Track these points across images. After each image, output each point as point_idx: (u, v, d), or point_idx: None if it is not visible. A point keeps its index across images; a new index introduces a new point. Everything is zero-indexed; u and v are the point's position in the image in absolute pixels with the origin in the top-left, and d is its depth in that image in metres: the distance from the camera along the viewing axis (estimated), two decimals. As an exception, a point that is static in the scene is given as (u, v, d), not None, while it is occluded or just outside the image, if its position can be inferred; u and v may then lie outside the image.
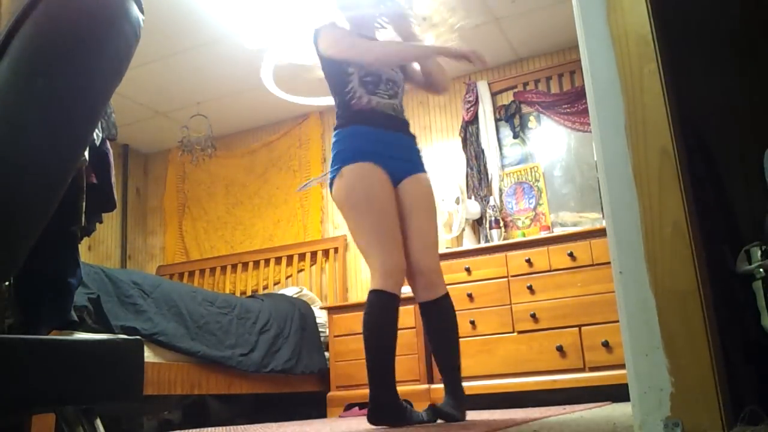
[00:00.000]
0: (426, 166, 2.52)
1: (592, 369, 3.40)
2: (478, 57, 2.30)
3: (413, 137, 2.52)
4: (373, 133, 2.34)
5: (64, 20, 0.81)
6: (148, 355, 2.92)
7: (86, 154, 1.34)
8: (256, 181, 5.41)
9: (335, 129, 2.42)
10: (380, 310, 2.24)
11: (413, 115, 4.86)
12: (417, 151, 2.51)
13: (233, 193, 5.50)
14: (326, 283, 4.91)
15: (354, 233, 2.36)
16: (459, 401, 2.34)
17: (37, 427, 2.08)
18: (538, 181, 4.35)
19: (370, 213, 2.26)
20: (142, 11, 0.90)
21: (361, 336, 2.27)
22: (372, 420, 2.21)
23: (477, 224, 4.42)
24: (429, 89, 2.64)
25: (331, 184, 2.38)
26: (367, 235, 2.28)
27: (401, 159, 2.40)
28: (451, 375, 2.39)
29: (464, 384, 3.63)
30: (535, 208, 4.31)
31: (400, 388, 3.82)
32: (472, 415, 2.85)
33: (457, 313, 3.78)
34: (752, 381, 1.27)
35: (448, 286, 3.87)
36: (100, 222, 1.54)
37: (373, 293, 2.25)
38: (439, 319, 2.44)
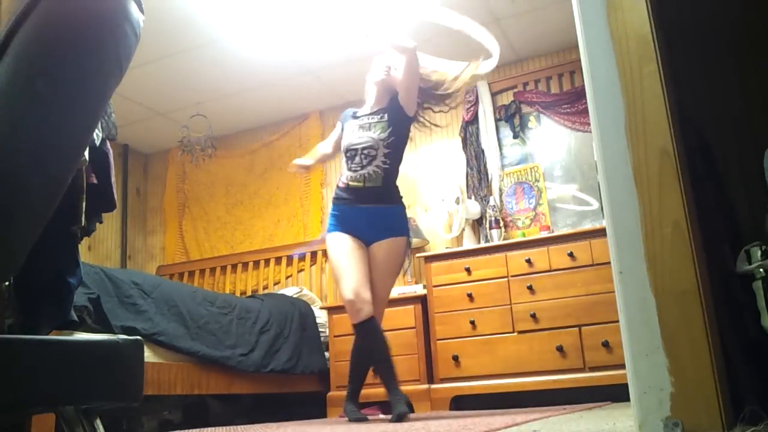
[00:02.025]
0: (392, 229, 2.94)
1: (592, 369, 3.40)
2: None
3: (387, 204, 2.94)
4: (344, 210, 2.94)
5: (64, 20, 0.81)
6: (148, 355, 2.92)
7: (86, 154, 1.34)
8: (256, 181, 5.41)
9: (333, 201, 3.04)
10: (362, 337, 2.85)
11: (413, 115, 4.85)
12: (384, 216, 2.93)
13: (233, 193, 5.50)
14: (326, 283, 4.91)
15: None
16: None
17: (37, 427, 2.08)
18: (538, 181, 4.35)
19: (334, 268, 2.93)
20: (142, 11, 0.90)
21: None
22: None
23: (477, 224, 4.42)
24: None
25: None
26: (335, 277, 2.94)
27: (368, 228, 2.91)
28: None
29: (465, 384, 3.69)
30: (535, 208, 4.31)
31: (400, 388, 3.79)
32: (472, 415, 2.85)
33: (457, 313, 3.79)
34: (752, 381, 1.27)
35: (448, 286, 3.93)
36: (100, 222, 1.54)
37: (354, 326, 2.86)
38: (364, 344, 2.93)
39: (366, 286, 2.84)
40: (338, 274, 2.88)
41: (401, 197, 3.04)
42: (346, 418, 2.93)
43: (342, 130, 3.12)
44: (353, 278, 2.81)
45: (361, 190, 2.91)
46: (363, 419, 2.85)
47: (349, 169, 2.95)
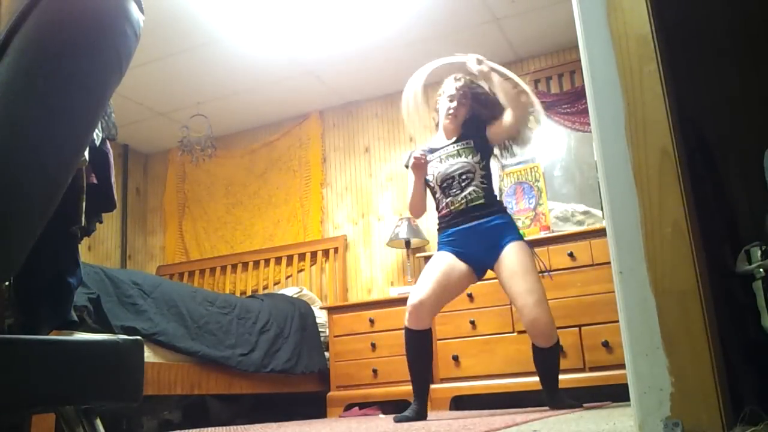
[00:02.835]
0: (508, 236, 2.86)
1: (592, 369, 3.40)
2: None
3: (492, 213, 2.89)
4: (455, 231, 2.90)
5: (64, 20, 0.81)
6: (148, 355, 2.92)
7: (86, 154, 1.33)
8: (256, 181, 5.41)
9: (438, 232, 3.01)
10: (406, 342, 2.82)
11: (413, 115, 4.85)
12: (497, 227, 2.87)
13: (233, 193, 5.50)
14: (326, 283, 4.91)
15: None
16: None
17: (37, 427, 2.08)
18: (538, 181, 4.35)
19: (424, 272, 2.88)
20: (142, 11, 0.90)
21: (362, 336, 3.08)
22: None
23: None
24: (516, 130, 3.11)
25: None
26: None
27: (482, 248, 2.85)
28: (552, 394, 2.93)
29: (465, 384, 3.70)
30: (535, 208, 4.31)
31: (400, 388, 3.83)
32: (472, 415, 2.85)
33: (457, 313, 3.80)
34: (752, 381, 1.27)
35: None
36: (100, 222, 1.54)
37: (406, 330, 2.83)
38: (545, 363, 2.89)
39: (438, 304, 2.82)
40: (419, 279, 2.85)
41: (505, 208, 3.02)
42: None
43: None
44: (430, 285, 2.78)
45: (465, 211, 2.89)
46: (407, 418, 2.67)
47: (448, 196, 2.92)
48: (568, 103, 4.37)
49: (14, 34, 0.80)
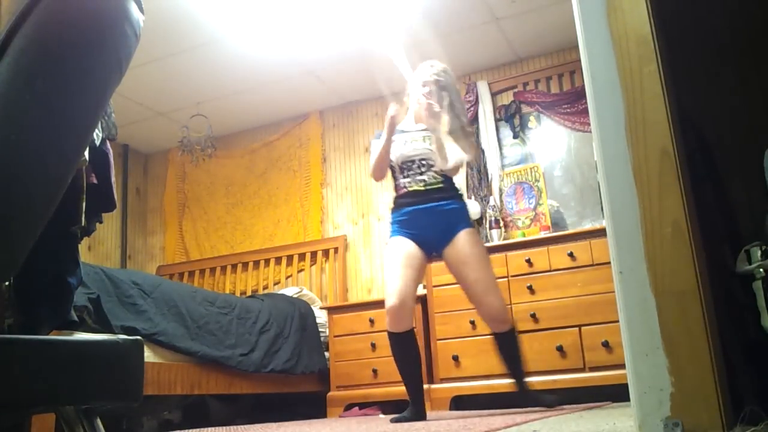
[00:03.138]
0: (463, 222, 2.91)
1: (592, 369, 3.40)
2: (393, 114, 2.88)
3: (449, 197, 2.92)
4: (410, 211, 2.90)
5: (64, 20, 0.81)
6: (148, 355, 2.92)
7: (86, 154, 1.33)
8: (256, 181, 5.41)
9: (391, 211, 3.02)
10: (392, 347, 2.86)
11: (413, 115, 4.86)
12: (452, 211, 2.90)
13: (233, 193, 5.50)
14: (326, 283, 4.91)
15: None
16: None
17: (37, 427, 2.08)
18: (538, 181, 4.35)
19: (390, 262, 2.88)
20: (142, 11, 0.90)
21: (362, 336, 3.12)
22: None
23: (477, 224, 4.42)
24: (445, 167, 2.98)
25: None
26: (386, 279, 2.92)
27: (435, 231, 2.88)
28: (521, 384, 2.96)
29: (465, 384, 3.71)
30: (535, 208, 4.31)
31: (400, 388, 3.84)
32: (472, 415, 2.85)
33: (457, 312, 3.80)
34: (752, 381, 1.27)
35: (448, 286, 3.94)
36: (100, 222, 1.54)
37: (389, 335, 2.86)
38: (506, 348, 2.94)
39: (413, 296, 2.83)
40: (386, 279, 2.86)
41: (461, 195, 3.04)
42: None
43: None
44: (402, 282, 2.78)
45: (423, 192, 2.91)
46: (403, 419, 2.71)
47: (406, 177, 2.95)
48: (568, 103, 4.37)
49: (14, 34, 0.80)
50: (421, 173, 2.92)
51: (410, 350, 2.83)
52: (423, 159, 2.94)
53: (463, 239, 2.86)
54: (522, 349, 3.00)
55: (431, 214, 2.88)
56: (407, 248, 2.86)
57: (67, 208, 1.27)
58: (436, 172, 2.93)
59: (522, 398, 2.95)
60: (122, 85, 0.93)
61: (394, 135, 2.98)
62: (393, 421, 2.65)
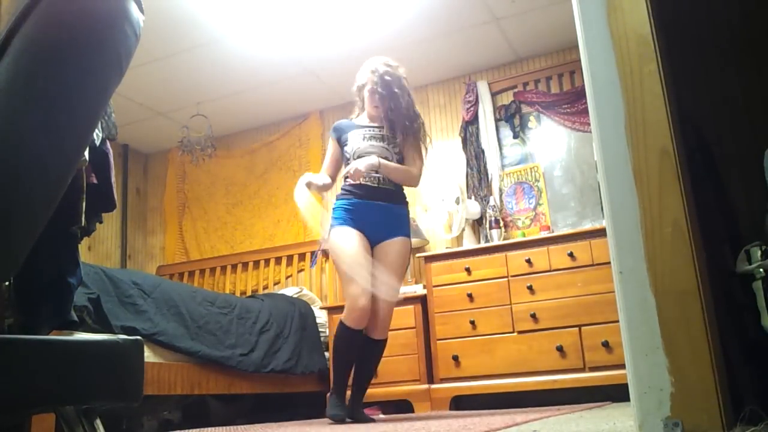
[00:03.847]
0: (404, 229, 3.01)
1: (592, 369, 3.40)
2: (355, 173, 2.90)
3: (399, 201, 3.01)
4: (356, 203, 2.94)
5: (64, 20, 0.81)
6: (148, 355, 2.92)
7: (86, 154, 1.34)
8: (256, 181, 5.41)
9: (336, 198, 3.03)
10: (340, 339, 2.88)
11: (413, 115, 4.85)
12: (399, 216, 3.00)
13: (233, 193, 5.50)
14: (326, 283, 4.91)
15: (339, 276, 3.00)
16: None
17: (37, 427, 2.08)
18: (538, 181, 4.35)
19: (343, 264, 2.88)
20: (142, 11, 0.90)
21: None
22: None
23: (477, 224, 4.42)
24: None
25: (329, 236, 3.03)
26: (342, 279, 2.92)
27: (378, 224, 2.94)
28: (359, 394, 2.99)
29: (465, 384, 3.71)
30: (535, 208, 4.31)
31: (400, 388, 3.85)
32: (472, 415, 2.85)
33: (457, 312, 3.80)
34: (752, 381, 1.27)
35: (448, 286, 3.94)
36: (100, 222, 1.54)
37: (339, 324, 2.87)
38: (368, 356, 2.96)
39: (370, 295, 2.87)
40: (349, 274, 2.84)
41: (407, 202, 3.11)
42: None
43: (341, 143, 3.10)
44: (365, 283, 2.82)
45: (375, 189, 2.95)
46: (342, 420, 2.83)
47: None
48: (568, 103, 4.37)
49: (14, 34, 0.80)
50: (377, 171, 2.95)
51: (357, 347, 2.89)
52: (380, 156, 2.96)
53: (397, 245, 2.94)
54: (375, 369, 3.06)
55: (380, 211, 2.94)
56: (359, 242, 2.89)
57: (67, 208, 1.27)
58: None
59: (351, 411, 2.91)
60: (122, 85, 0.93)
61: (350, 132, 3.06)
62: (332, 417, 2.80)
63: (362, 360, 2.94)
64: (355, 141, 3.03)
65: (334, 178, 3.16)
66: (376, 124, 3.08)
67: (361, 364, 2.95)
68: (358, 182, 2.95)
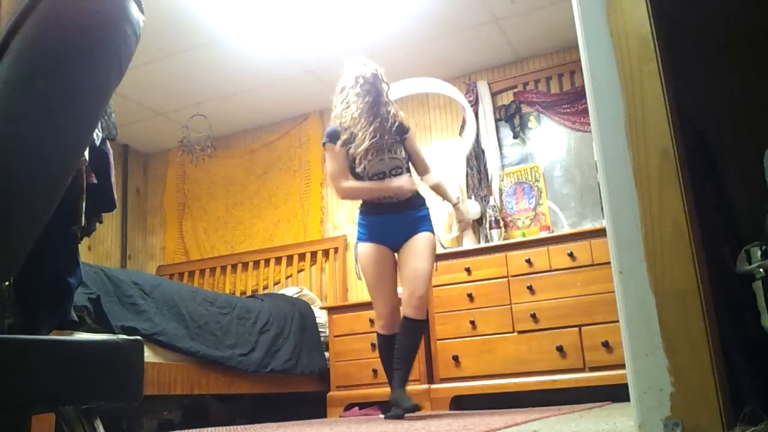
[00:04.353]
0: (424, 226, 3.07)
1: (592, 369, 3.40)
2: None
3: (413, 207, 3.08)
4: (375, 220, 3.07)
5: (64, 20, 0.81)
6: (148, 355, 2.92)
7: (86, 154, 1.33)
8: (256, 181, 5.41)
9: (359, 215, 3.17)
10: (380, 348, 3.08)
11: (413, 115, 4.86)
12: (415, 219, 3.07)
13: (233, 193, 5.50)
14: (326, 283, 4.91)
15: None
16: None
17: (37, 427, 2.08)
18: (538, 181, 4.35)
19: (367, 280, 3.08)
20: (142, 12, 0.90)
21: (362, 336, 3.45)
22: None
23: (477, 224, 4.42)
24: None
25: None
26: (369, 291, 3.10)
27: (398, 233, 3.05)
28: (401, 376, 3.02)
29: (465, 384, 3.71)
30: (535, 208, 4.31)
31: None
32: (472, 415, 2.85)
33: (457, 313, 3.80)
34: (752, 381, 1.27)
35: (448, 286, 3.93)
36: (100, 222, 1.54)
37: (376, 334, 3.10)
38: (406, 336, 3.01)
39: (397, 303, 3.03)
40: (372, 289, 3.05)
41: (425, 201, 3.18)
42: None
43: (346, 150, 3.07)
44: (389, 296, 3.02)
45: (395, 204, 3.05)
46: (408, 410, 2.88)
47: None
48: (568, 103, 4.37)
49: (14, 35, 0.80)
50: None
51: (392, 348, 2.99)
52: (392, 168, 3.05)
53: (418, 238, 3.02)
54: (417, 349, 3.07)
55: (400, 222, 3.05)
56: (381, 257, 3.04)
57: (67, 208, 1.27)
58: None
59: (394, 394, 2.98)
60: (122, 85, 0.93)
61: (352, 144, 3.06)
62: (388, 417, 2.80)
63: (400, 342, 2.99)
64: (364, 158, 3.02)
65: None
66: (376, 133, 3.05)
67: (399, 349, 2.99)
68: (378, 201, 3.06)
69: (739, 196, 1.48)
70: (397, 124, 3.10)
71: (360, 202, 3.19)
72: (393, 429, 2.19)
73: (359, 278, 3.16)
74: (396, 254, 3.09)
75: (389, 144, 3.05)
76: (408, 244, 3.02)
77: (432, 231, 3.10)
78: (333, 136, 3.09)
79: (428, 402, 3.70)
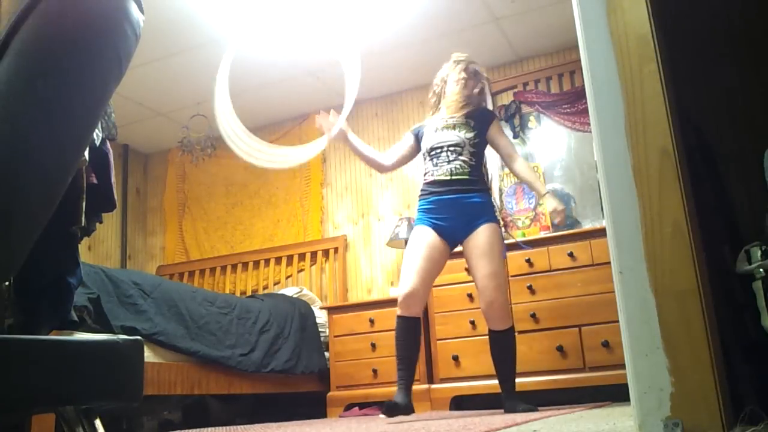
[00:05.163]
0: (486, 216, 2.96)
1: (592, 369, 3.40)
2: None
3: (474, 190, 2.97)
4: (435, 200, 2.96)
5: (64, 20, 0.81)
6: (148, 355, 2.92)
7: (86, 154, 1.33)
8: (256, 181, 5.41)
9: (418, 198, 3.06)
10: (397, 330, 2.86)
11: (413, 114, 4.86)
12: (476, 204, 2.95)
13: (233, 193, 5.50)
14: (326, 283, 4.91)
15: None
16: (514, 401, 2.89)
17: (37, 427, 2.08)
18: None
19: (408, 255, 2.92)
20: (142, 11, 0.90)
21: (362, 336, 3.29)
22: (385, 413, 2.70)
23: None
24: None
25: None
26: (404, 265, 2.93)
27: (458, 222, 2.93)
28: (506, 385, 2.98)
29: (465, 384, 3.69)
30: (535, 208, 4.31)
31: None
32: (472, 415, 2.85)
33: (457, 312, 3.79)
34: (752, 381, 1.27)
35: (448, 286, 3.92)
36: (100, 222, 1.54)
37: (396, 318, 2.88)
38: (498, 348, 2.96)
39: (427, 291, 2.91)
40: (405, 269, 2.88)
41: (488, 189, 3.13)
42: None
43: (415, 140, 3.16)
44: (416, 274, 2.83)
45: (448, 182, 2.96)
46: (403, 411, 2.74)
47: (435, 166, 3.00)
48: (568, 103, 4.37)
49: (14, 35, 0.80)
50: (449, 161, 2.97)
51: (413, 336, 2.86)
52: (452, 145, 2.98)
53: (483, 232, 2.89)
54: (515, 356, 2.98)
55: (454, 205, 2.93)
56: (429, 239, 2.90)
57: (67, 208, 1.27)
58: (464, 161, 2.98)
59: (506, 402, 2.90)
60: (122, 85, 0.93)
61: (424, 128, 3.11)
62: (385, 412, 2.66)
63: (494, 355, 2.95)
64: (428, 135, 3.08)
65: (391, 162, 3.20)
66: (448, 116, 3.10)
67: (496, 362, 2.95)
68: (432, 181, 2.98)
69: (739, 196, 1.48)
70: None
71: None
72: (393, 429, 2.19)
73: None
74: (456, 245, 2.98)
75: (457, 123, 3.09)
76: (472, 242, 2.90)
77: (496, 220, 2.99)
78: (413, 129, 3.27)
79: (428, 402, 3.71)
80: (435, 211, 2.95)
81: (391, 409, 2.67)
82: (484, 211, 2.96)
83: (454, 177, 2.95)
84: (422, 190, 3.05)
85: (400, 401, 2.71)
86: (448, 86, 3.14)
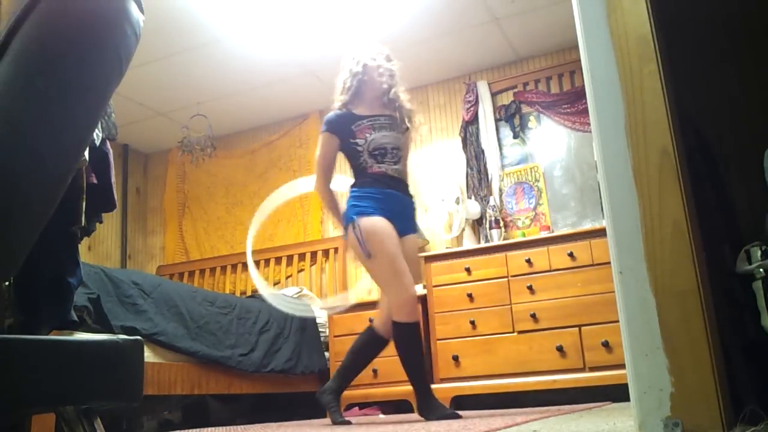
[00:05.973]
0: (415, 224, 3.01)
1: (592, 369, 3.40)
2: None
3: (411, 196, 2.97)
4: (386, 193, 2.83)
5: (64, 20, 0.81)
6: (148, 355, 2.92)
7: (86, 154, 1.33)
8: (256, 181, 5.41)
9: (353, 187, 2.90)
10: (409, 337, 2.72)
11: (413, 115, 4.85)
12: (413, 209, 2.98)
13: (233, 193, 5.50)
14: (326, 283, 4.91)
15: (374, 272, 2.80)
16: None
17: (37, 427, 2.08)
18: (538, 181, 4.35)
19: (389, 255, 2.71)
20: (142, 11, 0.90)
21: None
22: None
23: (477, 224, 4.42)
24: None
25: (346, 231, 2.85)
26: (386, 272, 2.72)
27: (401, 215, 2.85)
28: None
29: (465, 384, 3.68)
30: (535, 208, 4.31)
31: (400, 388, 3.83)
32: (472, 415, 2.85)
33: (457, 312, 3.79)
34: (752, 381, 1.27)
35: (448, 286, 3.92)
36: (100, 222, 1.54)
37: (396, 326, 2.71)
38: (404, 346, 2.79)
39: None
40: (399, 269, 2.68)
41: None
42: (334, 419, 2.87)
43: (343, 137, 2.96)
44: (408, 275, 2.72)
45: (398, 180, 2.89)
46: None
47: (381, 163, 2.87)
48: (568, 103, 4.37)
49: (14, 35, 0.80)
50: (395, 162, 2.89)
51: (420, 341, 2.81)
52: (394, 148, 2.90)
53: (412, 242, 2.93)
54: (422, 353, 2.83)
55: (402, 203, 2.89)
56: (395, 235, 2.78)
57: (67, 208, 1.27)
58: (404, 166, 2.97)
59: (421, 405, 2.75)
60: (122, 85, 0.93)
61: (354, 125, 2.92)
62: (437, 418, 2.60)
63: (400, 353, 2.78)
64: (366, 133, 2.91)
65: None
66: (378, 113, 2.96)
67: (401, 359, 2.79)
68: (382, 172, 2.84)
69: (739, 196, 1.48)
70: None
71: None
72: (393, 429, 2.19)
73: (368, 257, 2.72)
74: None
75: (391, 123, 3.00)
76: (406, 244, 2.85)
77: (417, 229, 3.08)
78: (331, 123, 3.04)
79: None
80: (385, 203, 2.80)
81: (449, 416, 2.60)
82: (414, 219, 3.00)
83: (401, 177, 2.92)
84: (370, 177, 2.85)
85: (447, 410, 2.68)
86: (371, 81, 2.97)
